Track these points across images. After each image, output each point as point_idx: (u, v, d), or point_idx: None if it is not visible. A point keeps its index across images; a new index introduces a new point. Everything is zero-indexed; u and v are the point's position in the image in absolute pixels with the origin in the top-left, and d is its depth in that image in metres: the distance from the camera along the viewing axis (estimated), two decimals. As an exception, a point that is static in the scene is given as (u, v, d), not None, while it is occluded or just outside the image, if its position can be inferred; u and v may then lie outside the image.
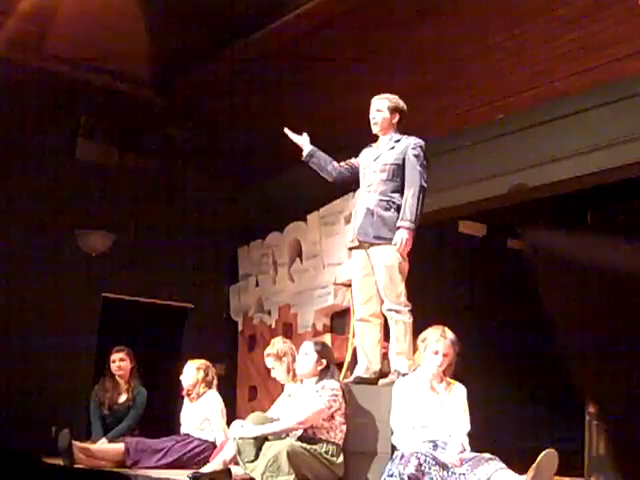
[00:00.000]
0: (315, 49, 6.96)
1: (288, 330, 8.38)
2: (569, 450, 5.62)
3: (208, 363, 6.29)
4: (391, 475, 4.21)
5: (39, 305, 8.07)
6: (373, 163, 5.26)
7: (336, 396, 4.75)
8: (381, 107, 5.27)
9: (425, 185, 5.10)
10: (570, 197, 7.26)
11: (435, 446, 4.34)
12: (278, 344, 5.87)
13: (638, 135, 5.95)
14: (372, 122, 5.30)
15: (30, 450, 6.57)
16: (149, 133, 9.18)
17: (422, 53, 6.61)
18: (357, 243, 5.21)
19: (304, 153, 5.50)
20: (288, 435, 4.78)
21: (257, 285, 9.10)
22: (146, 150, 9.19)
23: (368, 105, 5.33)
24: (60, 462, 5.83)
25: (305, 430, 4.73)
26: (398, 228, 5.00)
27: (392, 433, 4.57)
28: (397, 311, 5.06)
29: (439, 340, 4.52)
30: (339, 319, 7.99)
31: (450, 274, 8.40)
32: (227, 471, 5.04)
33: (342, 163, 5.48)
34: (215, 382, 6.27)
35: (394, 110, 5.27)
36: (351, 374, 5.44)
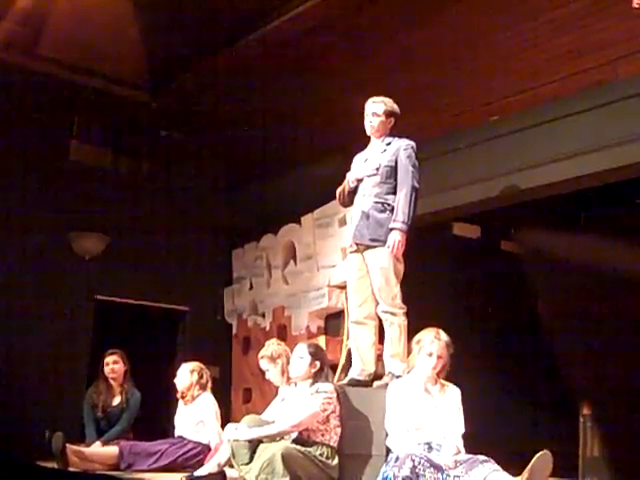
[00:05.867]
0: (311, 51, 6.97)
1: (282, 332, 8.37)
2: (564, 451, 5.60)
3: (202, 365, 6.28)
4: (386, 477, 4.20)
5: (33, 308, 8.05)
6: (366, 167, 5.26)
7: (330, 399, 4.74)
8: (378, 111, 5.27)
9: (417, 186, 5.11)
10: (564, 199, 7.27)
11: (430, 448, 4.34)
12: (272, 346, 5.86)
13: (632, 137, 5.95)
14: (368, 125, 5.31)
15: (24, 453, 6.54)
16: (143, 135, 9.18)
17: (417, 55, 6.63)
18: (355, 247, 5.21)
19: None
20: (283, 438, 4.77)
21: (251, 287, 9.09)
22: (140, 152, 9.19)
23: (363, 107, 5.34)
24: (54, 465, 5.80)
25: (300, 433, 4.72)
26: (391, 230, 5.01)
27: (387, 435, 4.57)
28: (392, 313, 5.06)
29: (433, 342, 4.52)
30: (333, 321, 7.99)
31: (444, 276, 8.39)
32: (221, 474, 5.03)
33: (347, 188, 5.41)
34: (209, 384, 6.25)
35: (390, 114, 5.28)
36: (345, 376, 5.44)
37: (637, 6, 5.31)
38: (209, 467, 5.11)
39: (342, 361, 6.38)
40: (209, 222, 9.41)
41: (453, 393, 4.60)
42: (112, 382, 6.59)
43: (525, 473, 4.01)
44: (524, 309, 8.71)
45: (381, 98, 5.30)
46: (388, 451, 4.53)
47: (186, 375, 6.19)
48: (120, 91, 8.48)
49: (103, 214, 8.59)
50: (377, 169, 5.18)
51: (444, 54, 6.54)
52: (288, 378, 5.54)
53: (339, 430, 4.76)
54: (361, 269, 5.17)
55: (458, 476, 4.09)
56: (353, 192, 5.34)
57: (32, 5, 6.73)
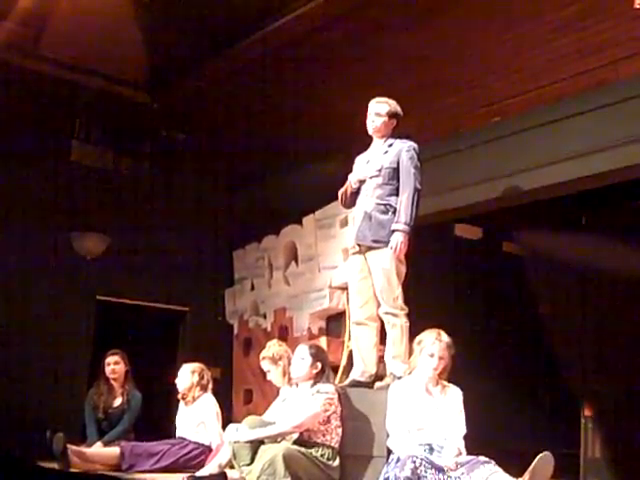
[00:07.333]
0: (311, 52, 6.96)
1: (284, 333, 8.37)
2: (565, 453, 5.60)
3: (203, 366, 6.27)
4: (387, 479, 4.20)
5: (34, 308, 8.05)
6: (368, 168, 5.26)
7: (332, 399, 4.74)
8: (381, 111, 5.27)
9: (419, 187, 5.11)
10: (565, 200, 7.27)
11: (431, 449, 4.34)
12: (274, 347, 5.86)
13: (633, 138, 5.94)
14: (370, 125, 5.31)
15: (25, 454, 6.54)
16: (145, 136, 9.17)
17: (418, 56, 6.62)
18: (357, 249, 5.21)
19: None
20: (284, 439, 4.77)
21: (252, 288, 9.09)
22: (142, 153, 9.19)
23: (365, 108, 5.34)
24: (55, 466, 5.80)
25: (301, 434, 4.72)
26: (393, 231, 5.01)
27: (388, 436, 4.57)
28: (394, 314, 5.06)
29: (434, 343, 4.52)
30: (334, 322, 7.98)
31: (446, 277, 8.38)
32: (222, 475, 5.02)
33: (349, 190, 5.41)
34: (210, 385, 6.25)
35: (393, 115, 5.29)
36: (347, 377, 5.44)
37: (638, 7, 5.31)
38: (210, 468, 5.11)
39: (343, 362, 6.38)
40: (210, 222, 9.40)
41: (454, 394, 4.60)
42: (113, 383, 6.59)
43: (526, 474, 4.01)
44: (525, 310, 8.70)
45: (385, 99, 5.31)
46: (389, 452, 4.53)
47: (187, 376, 6.19)
48: (121, 91, 8.47)
49: (104, 214, 8.59)
50: (379, 170, 5.18)
51: (445, 55, 6.53)
52: (289, 379, 5.54)
53: (340, 431, 4.76)
54: (363, 270, 5.17)
55: (459, 477, 4.09)
56: (355, 193, 5.34)
57: (32, 5, 6.72)
